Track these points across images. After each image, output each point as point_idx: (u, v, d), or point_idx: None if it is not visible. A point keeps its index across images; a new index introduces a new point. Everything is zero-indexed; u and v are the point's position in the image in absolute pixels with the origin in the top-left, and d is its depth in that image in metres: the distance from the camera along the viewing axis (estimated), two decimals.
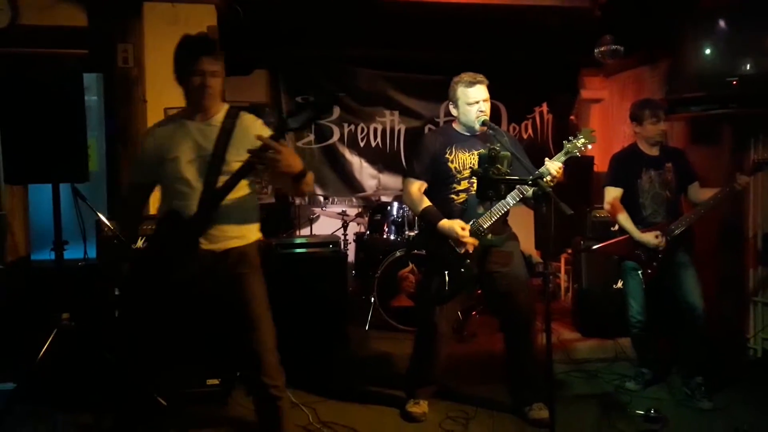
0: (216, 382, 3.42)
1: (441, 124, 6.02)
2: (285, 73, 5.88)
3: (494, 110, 5.01)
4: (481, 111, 3.17)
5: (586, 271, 4.57)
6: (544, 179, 2.86)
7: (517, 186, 3.01)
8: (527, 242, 5.17)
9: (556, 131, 6.34)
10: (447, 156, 3.21)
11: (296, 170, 2.35)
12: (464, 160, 3.20)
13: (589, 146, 3.06)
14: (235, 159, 2.41)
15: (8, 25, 4.10)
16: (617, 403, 3.50)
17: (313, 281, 3.85)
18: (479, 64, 3.41)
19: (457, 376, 3.72)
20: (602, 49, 4.98)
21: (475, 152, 3.17)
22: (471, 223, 3.13)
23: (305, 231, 6.03)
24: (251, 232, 2.55)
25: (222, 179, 2.40)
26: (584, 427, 3.21)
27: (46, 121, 3.07)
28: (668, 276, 3.55)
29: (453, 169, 3.20)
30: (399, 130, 6.16)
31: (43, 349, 3.13)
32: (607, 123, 6.29)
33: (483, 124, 3.15)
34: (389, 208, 5.09)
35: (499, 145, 2.82)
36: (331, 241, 4.24)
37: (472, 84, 3.17)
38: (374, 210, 5.31)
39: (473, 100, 3.17)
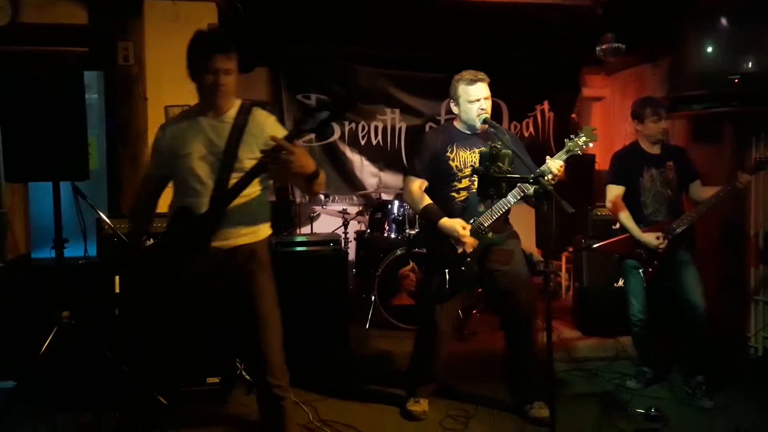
0: (216, 380, 3.42)
1: (442, 122, 6.02)
2: (285, 71, 5.88)
3: (495, 108, 5.01)
4: (482, 109, 3.16)
5: (587, 270, 4.57)
6: (546, 177, 2.85)
7: (519, 184, 3.00)
8: (528, 241, 5.16)
9: (558, 129, 6.34)
10: (448, 154, 3.21)
11: (309, 171, 2.34)
12: (465, 159, 3.19)
13: (591, 144, 3.06)
14: (248, 156, 2.40)
15: (9, 22, 4.10)
16: (618, 402, 3.50)
17: (314, 280, 3.85)
18: (480, 62, 3.40)
19: (458, 374, 3.72)
20: (604, 47, 4.97)
21: (476, 150, 3.16)
22: (472, 221, 3.13)
23: (306, 229, 6.03)
24: (261, 230, 2.54)
25: (234, 176, 2.38)
26: (585, 426, 3.21)
27: (47, 119, 3.07)
28: (669, 274, 3.54)
29: (454, 168, 3.20)
30: (400, 128, 6.16)
31: (44, 348, 3.12)
32: (609, 121, 6.28)
33: (484, 122, 3.15)
34: (390, 206, 5.09)
35: (500, 143, 2.82)
36: (331, 240, 4.23)
37: (473, 82, 3.17)
38: (375, 208, 5.31)
39: (474, 98, 3.16)
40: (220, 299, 2.48)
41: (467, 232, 3.08)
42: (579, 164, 5.08)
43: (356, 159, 6.11)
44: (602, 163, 5.62)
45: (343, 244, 5.21)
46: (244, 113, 2.47)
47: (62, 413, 3.26)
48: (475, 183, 3.03)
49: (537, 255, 6.02)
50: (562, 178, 3.00)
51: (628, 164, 3.64)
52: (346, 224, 5.55)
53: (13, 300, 3.76)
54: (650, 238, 3.49)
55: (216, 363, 3.44)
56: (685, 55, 4.27)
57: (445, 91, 3.36)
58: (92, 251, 3.42)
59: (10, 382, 3.53)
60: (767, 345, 4.26)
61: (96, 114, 5.58)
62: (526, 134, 6.33)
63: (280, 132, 2.46)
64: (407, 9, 4.77)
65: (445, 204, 3.20)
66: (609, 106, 6.37)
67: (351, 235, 5.55)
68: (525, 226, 4.34)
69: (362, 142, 6.12)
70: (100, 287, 3.27)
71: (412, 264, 4.48)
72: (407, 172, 3.37)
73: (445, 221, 3.12)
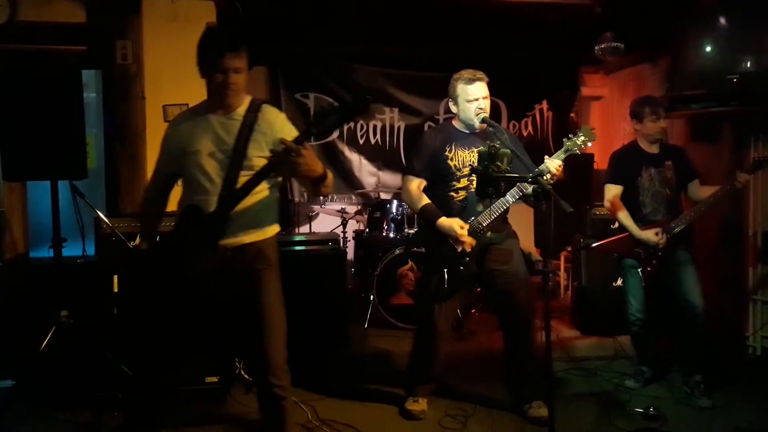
0: (215, 379, 3.42)
1: (441, 121, 6.01)
2: (284, 70, 5.87)
3: (494, 107, 5.00)
4: (481, 108, 3.16)
5: (585, 269, 4.57)
6: (544, 177, 2.85)
7: (517, 183, 3.00)
8: (527, 240, 5.16)
9: (556, 129, 6.33)
10: (447, 154, 3.20)
11: (317, 174, 2.33)
12: (464, 158, 3.19)
13: (589, 144, 3.06)
14: (257, 154, 2.39)
15: (7, 21, 4.09)
16: (617, 401, 3.50)
17: (313, 279, 3.84)
18: (479, 61, 3.40)
19: (457, 374, 3.72)
20: (602, 46, 4.97)
21: (475, 150, 3.16)
22: (470, 220, 3.13)
23: (304, 228, 6.03)
24: (269, 228, 2.53)
25: (243, 174, 2.37)
26: (583, 425, 3.21)
27: (45, 117, 3.07)
28: (668, 274, 3.55)
29: (452, 167, 3.19)
30: (398, 128, 6.16)
31: (42, 347, 3.12)
32: (608, 120, 6.29)
33: (483, 121, 3.14)
34: (388, 205, 5.09)
35: (498, 142, 2.81)
36: (330, 239, 4.23)
37: (471, 81, 3.16)
38: (373, 207, 5.30)
39: (473, 98, 3.16)
40: (225, 297, 2.47)
41: (465, 232, 3.08)
42: (578, 163, 5.08)
43: (355, 158, 6.10)
44: (601, 163, 5.62)
45: (341, 244, 5.21)
46: (253, 111, 2.45)
47: (61, 412, 3.27)
48: (474, 182, 3.03)
49: (536, 254, 6.02)
50: (561, 177, 3.00)
51: (627, 163, 3.64)
52: (344, 223, 5.55)
53: (12, 299, 3.76)
54: (649, 235, 3.49)
55: (215, 362, 3.43)
56: (684, 55, 4.27)
57: (443, 90, 3.36)
58: (90, 250, 3.41)
59: (8, 381, 3.53)
60: (765, 344, 4.26)
61: (94, 113, 5.56)
62: (525, 133, 6.33)
63: (290, 130, 2.46)
64: (406, 8, 4.76)
65: (443, 203, 3.20)
66: (608, 106, 6.37)
67: (350, 235, 5.55)
68: (524, 225, 4.34)
69: (361, 142, 6.12)
70: (98, 286, 3.26)
71: (410, 263, 4.48)
72: (406, 171, 3.37)
73: (444, 221, 3.12)
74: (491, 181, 2.51)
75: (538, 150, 4.33)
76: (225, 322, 2.63)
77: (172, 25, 4.33)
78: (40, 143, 3.06)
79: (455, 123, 3.31)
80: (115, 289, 3.19)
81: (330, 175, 2.42)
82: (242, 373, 3.59)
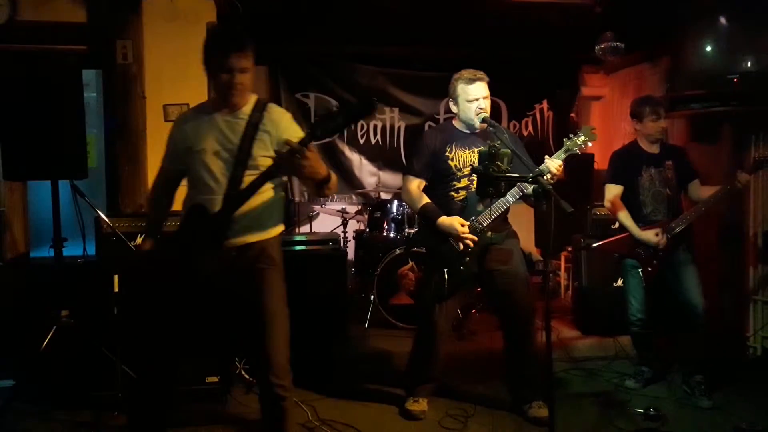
0: (215, 379, 3.42)
1: (441, 121, 6.01)
2: (284, 70, 5.87)
3: (494, 107, 5.00)
4: (481, 108, 3.15)
5: (586, 269, 4.57)
6: (545, 177, 2.85)
7: (517, 183, 3.00)
8: (527, 240, 5.17)
9: (557, 128, 6.33)
10: (447, 154, 3.20)
11: (320, 177, 2.33)
12: (464, 158, 3.19)
13: (590, 144, 3.06)
14: (262, 154, 2.39)
15: (7, 20, 4.09)
16: (617, 402, 3.50)
17: (313, 279, 3.84)
18: (479, 61, 3.40)
19: (457, 374, 3.72)
20: (603, 46, 4.97)
21: (475, 150, 3.16)
22: (471, 220, 3.13)
23: (305, 228, 6.03)
24: (273, 228, 2.53)
25: (248, 174, 2.37)
26: (584, 426, 3.21)
27: (45, 117, 3.06)
28: (668, 274, 3.55)
29: (453, 167, 3.19)
30: (399, 128, 6.16)
31: (42, 346, 3.12)
32: (608, 120, 6.29)
33: (483, 121, 3.14)
34: (389, 205, 5.09)
35: (499, 142, 2.81)
36: (330, 239, 4.23)
37: (472, 81, 3.16)
38: (374, 207, 5.31)
39: (473, 97, 3.16)
40: (228, 296, 2.47)
41: (466, 229, 3.08)
42: (578, 163, 5.08)
43: (355, 158, 6.10)
44: (601, 163, 5.62)
45: (342, 244, 5.21)
46: (258, 110, 2.45)
47: (61, 412, 3.27)
48: (474, 182, 3.03)
49: (536, 254, 6.02)
50: (561, 177, 3.00)
51: (627, 163, 3.64)
52: (345, 223, 5.55)
53: (12, 299, 3.77)
54: (649, 235, 3.49)
55: (215, 362, 3.43)
56: (684, 55, 4.27)
57: (444, 90, 3.36)
58: (91, 250, 3.41)
59: (9, 380, 3.53)
60: (766, 345, 4.26)
61: (94, 112, 5.56)
62: (525, 133, 6.33)
63: (295, 130, 2.46)
64: (406, 7, 4.76)
65: (443, 203, 3.20)
66: (608, 106, 6.37)
67: (350, 235, 5.55)
68: (524, 225, 4.34)
69: (361, 141, 6.12)
70: (98, 286, 3.26)
71: (411, 263, 4.48)
72: (406, 171, 3.37)
73: (444, 219, 3.12)
74: (491, 181, 2.51)
75: (538, 150, 4.33)
76: (227, 321, 2.63)
77: (172, 24, 4.33)
78: (40, 143, 3.06)
79: (455, 123, 3.31)
80: (116, 289, 3.19)
81: (334, 177, 2.42)
82: (242, 373, 3.59)
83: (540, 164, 2.99)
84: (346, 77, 5.96)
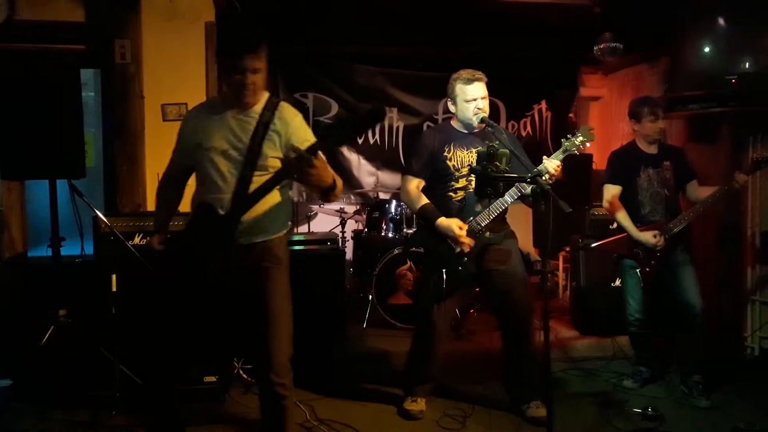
0: (213, 379, 3.41)
1: (439, 121, 6.01)
2: (283, 70, 5.86)
3: (493, 107, 4.99)
4: (479, 108, 3.16)
5: (584, 269, 4.56)
6: (543, 177, 2.85)
7: (516, 184, 3.00)
8: (525, 240, 5.17)
9: (555, 129, 6.33)
10: (445, 154, 3.20)
11: (326, 185, 2.34)
12: (462, 158, 3.19)
13: (588, 144, 3.06)
14: (271, 154, 2.39)
15: (5, 20, 4.08)
16: (615, 402, 3.50)
17: (311, 279, 3.83)
18: (478, 61, 3.40)
19: (455, 374, 3.72)
20: (601, 46, 4.97)
21: (474, 150, 3.15)
22: (469, 220, 3.13)
23: (303, 228, 6.03)
24: (279, 227, 2.53)
25: (257, 174, 2.37)
26: (582, 425, 3.21)
27: (43, 116, 3.06)
28: (666, 274, 3.55)
29: (451, 167, 3.19)
30: (397, 128, 6.15)
31: (40, 346, 3.12)
32: (606, 121, 6.29)
33: (481, 121, 3.14)
34: (387, 205, 5.09)
35: (497, 142, 2.82)
36: (329, 239, 4.23)
37: (470, 81, 3.16)
38: (372, 207, 5.30)
39: (471, 97, 3.16)
40: (234, 295, 2.47)
41: (464, 232, 3.08)
42: (576, 164, 5.09)
43: (354, 158, 6.10)
44: (599, 163, 5.63)
45: (340, 244, 5.21)
46: (269, 109, 2.45)
47: (59, 411, 3.26)
48: (473, 182, 3.03)
49: (534, 254, 6.03)
50: (560, 177, 3.00)
51: (626, 164, 3.65)
52: (343, 223, 5.55)
53: (10, 298, 3.76)
54: (647, 236, 3.50)
55: (213, 362, 3.43)
56: (682, 55, 4.28)
57: (442, 90, 3.36)
58: (89, 250, 3.40)
59: (6, 380, 3.53)
60: (763, 345, 4.26)
61: (93, 112, 5.57)
62: (524, 134, 6.33)
63: (305, 132, 2.46)
64: (406, 8, 4.76)
65: (442, 203, 3.20)
66: (606, 106, 6.38)
67: (348, 235, 5.55)
68: (522, 225, 4.35)
69: (360, 141, 6.11)
70: (96, 286, 3.25)
71: (409, 263, 4.49)
72: (404, 171, 3.37)
73: (442, 221, 3.12)
74: (490, 181, 2.51)
75: (536, 150, 4.34)
76: (230, 320, 2.63)
77: (171, 24, 4.33)
78: (38, 142, 3.05)
79: (454, 123, 3.31)
80: (114, 289, 3.18)
81: (339, 183, 2.42)
82: (241, 373, 3.59)
83: (538, 164, 2.99)
84: (345, 77, 5.96)
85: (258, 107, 2.45)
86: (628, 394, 3.60)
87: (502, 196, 3.06)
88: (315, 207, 5.98)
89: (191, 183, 2.60)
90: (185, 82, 4.32)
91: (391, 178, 6.05)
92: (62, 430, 3.12)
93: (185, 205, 2.67)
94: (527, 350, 3.25)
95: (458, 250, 3.12)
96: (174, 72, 4.30)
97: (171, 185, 2.66)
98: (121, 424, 3.12)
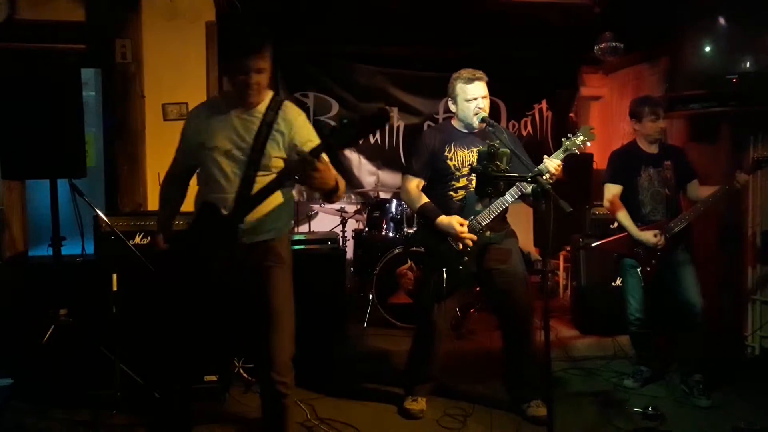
0: (214, 378, 3.41)
1: (440, 120, 6.01)
2: (283, 69, 5.86)
3: (493, 107, 5.01)
4: (480, 107, 3.15)
5: (584, 269, 4.57)
6: (543, 176, 2.85)
7: (516, 183, 3.00)
8: (526, 239, 5.17)
9: (556, 128, 6.33)
10: (446, 153, 3.20)
11: (329, 187, 2.34)
12: (463, 158, 3.19)
13: (588, 143, 3.06)
14: (275, 154, 2.39)
15: (6, 19, 4.08)
16: (615, 401, 3.50)
17: (312, 278, 3.84)
18: (478, 61, 3.40)
19: (456, 373, 3.72)
20: (602, 46, 4.97)
21: (474, 149, 3.16)
22: (469, 220, 3.13)
23: (303, 227, 6.03)
24: (283, 227, 2.53)
25: (260, 174, 2.37)
26: (582, 425, 3.21)
27: (44, 116, 3.06)
28: (667, 274, 3.55)
29: (452, 167, 3.19)
30: (398, 127, 6.15)
31: (41, 345, 3.12)
32: (607, 120, 6.29)
33: (482, 120, 3.14)
34: (388, 205, 5.09)
35: (498, 141, 2.81)
36: (329, 238, 4.23)
37: (471, 80, 3.16)
38: (373, 207, 5.31)
39: (472, 97, 3.16)
40: (237, 294, 2.47)
41: (465, 229, 3.08)
42: (577, 163, 5.09)
43: (354, 157, 6.10)
44: (600, 163, 5.62)
45: (341, 243, 5.21)
46: (273, 108, 2.45)
47: (59, 411, 3.27)
48: (473, 182, 3.03)
49: (535, 254, 6.03)
50: (560, 177, 3.01)
51: (626, 163, 3.65)
52: (344, 223, 5.55)
53: (11, 297, 3.76)
54: (648, 236, 3.50)
55: (214, 361, 3.43)
56: (683, 55, 4.28)
57: (443, 90, 3.36)
58: (90, 249, 3.41)
59: (7, 379, 3.53)
60: (764, 344, 4.26)
61: (93, 111, 5.57)
62: (524, 133, 6.33)
63: (309, 132, 2.46)
64: (406, 7, 4.76)
65: (442, 203, 3.20)
66: (607, 106, 6.37)
67: (349, 234, 5.55)
68: (523, 224, 4.35)
69: (360, 141, 6.10)
70: (97, 285, 3.26)
71: (410, 262, 4.48)
72: (405, 170, 3.37)
73: (443, 219, 3.12)
74: (490, 181, 2.52)
75: (537, 150, 4.34)
76: (232, 318, 2.63)
77: (171, 23, 4.33)
78: (39, 142, 3.06)
79: (454, 122, 3.31)
80: (115, 288, 3.19)
81: (342, 185, 2.42)
82: (241, 372, 3.59)
83: (539, 164, 2.99)
84: (345, 77, 5.96)
85: (262, 107, 2.46)
86: (629, 393, 3.60)
87: (503, 195, 3.06)
88: (315, 206, 5.98)
89: (194, 182, 2.60)
90: (186, 81, 4.32)
91: (391, 178, 6.04)
92: (63, 430, 3.12)
93: (188, 205, 2.67)
94: (528, 349, 3.25)
95: (460, 247, 3.12)
96: (174, 71, 4.31)
97: (174, 184, 2.66)
98: (122, 423, 3.12)
